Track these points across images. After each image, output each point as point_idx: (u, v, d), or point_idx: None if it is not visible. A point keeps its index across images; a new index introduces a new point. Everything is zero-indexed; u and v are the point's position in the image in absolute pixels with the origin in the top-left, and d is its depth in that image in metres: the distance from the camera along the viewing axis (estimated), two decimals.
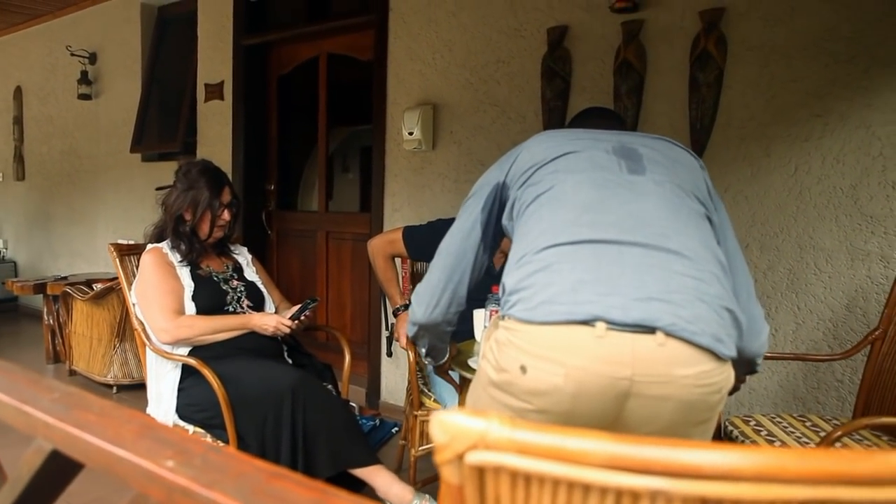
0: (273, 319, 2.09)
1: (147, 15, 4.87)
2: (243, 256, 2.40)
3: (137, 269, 2.22)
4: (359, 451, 1.90)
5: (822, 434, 1.91)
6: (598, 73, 2.74)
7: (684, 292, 1.04)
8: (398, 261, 2.52)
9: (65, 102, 5.49)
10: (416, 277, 2.71)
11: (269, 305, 2.31)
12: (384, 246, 2.33)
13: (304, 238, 4.01)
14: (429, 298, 1.39)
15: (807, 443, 1.85)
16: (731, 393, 1.20)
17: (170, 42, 4.83)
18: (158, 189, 2.32)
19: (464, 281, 1.37)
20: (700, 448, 0.47)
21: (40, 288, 4.17)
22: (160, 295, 2.07)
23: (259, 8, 4.00)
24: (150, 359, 2.12)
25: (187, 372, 2.04)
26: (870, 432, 1.93)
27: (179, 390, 2.03)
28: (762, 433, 1.98)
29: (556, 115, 2.81)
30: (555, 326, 1.04)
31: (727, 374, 1.08)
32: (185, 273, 2.16)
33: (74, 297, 3.84)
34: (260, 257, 2.60)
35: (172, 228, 2.19)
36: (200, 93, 4.30)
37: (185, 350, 2.05)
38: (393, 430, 3.11)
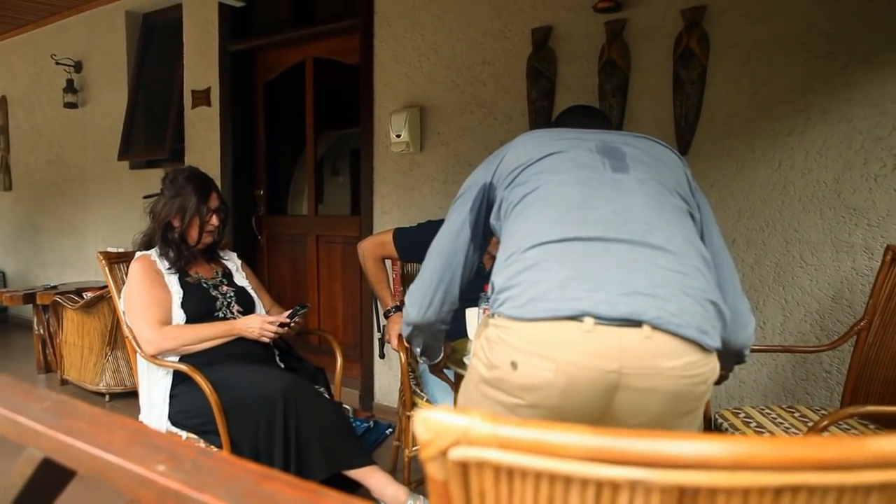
0: (257, 321, 2.09)
1: (132, 22, 4.85)
2: (233, 262, 2.40)
3: (127, 276, 2.22)
4: (352, 452, 1.91)
5: (811, 424, 1.93)
6: (583, 72, 2.76)
7: (669, 286, 1.07)
8: (388, 262, 2.53)
9: (51, 111, 5.47)
10: (406, 279, 2.72)
11: (260, 310, 2.31)
12: (374, 248, 2.34)
13: (294, 242, 4.01)
14: (421, 299, 1.40)
15: (795, 433, 1.87)
16: (717, 383, 1.23)
17: (155, 49, 4.82)
18: (146, 197, 2.32)
19: (455, 280, 1.39)
20: (676, 438, 0.48)
21: (30, 298, 4.15)
22: (146, 306, 2.07)
23: (244, 14, 4.00)
24: (142, 366, 2.12)
25: (179, 378, 2.04)
26: (857, 421, 1.96)
27: (171, 397, 2.03)
28: (751, 425, 2.00)
29: (542, 115, 2.82)
30: (544, 322, 1.06)
31: (712, 366, 1.11)
32: (173, 280, 2.16)
33: (65, 306, 3.83)
34: (250, 263, 2.60)
35: (161, 236, 2.18)
36: (187, 99, 4.30)
37: (175, 357, 2.05)
38: (387, 432, 3.11)
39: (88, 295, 3.82)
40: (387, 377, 3.44)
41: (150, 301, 2.08)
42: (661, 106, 2.60)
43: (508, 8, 2.92)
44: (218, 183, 2.35)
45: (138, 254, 2.20)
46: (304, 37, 3.74)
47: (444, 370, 1.88)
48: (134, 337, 2.10)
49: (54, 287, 4.37)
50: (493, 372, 1.13)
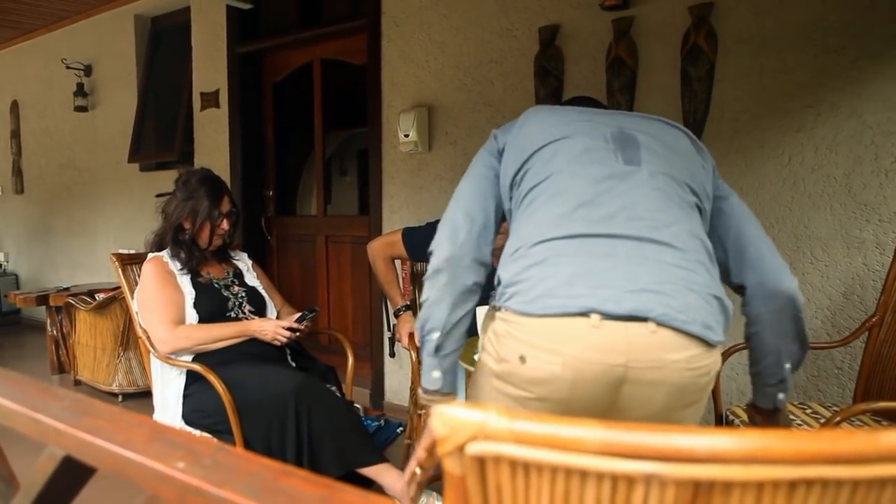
0: (271, 325, 2.11)
1: (141, 26, 4.89)
2: (244, 262, 2.41)
3: (139, 277, 2.24)
4: (365, 450, 1.92)
5: (823, 420, 1.93)
6: (591, 70, 2.76)
7: (675, 283, 1.09)
8: (398, 262, 2.54)
9: (62, 115, 5.51)
10: (416, 278, 2.73)
11: (271, 310, 2.33)
12: (384, 248, 2.35)
13: (303, 243, 4.03)
14: (451, 231, 1.27)
15: (808, 430, 1.87)
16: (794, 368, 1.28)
17: (164, 52, 4.85)
18: (158, 196, 2.34)
19: (489, 219, 1.30)
20: (689, 432, 0.49)
21: (43, 300, 4.19)
22: (159, 305, 2.09)
23: (252, 16, 4.03)
24: (155, 366, 2.14)
25: (192, 378, 2.05)
26: (870, 417, 1.95)
27: (185, 397, 2.05)
28: (786, 414, 2.00)
29: None
30: (552, 318, 1.07)
31: (715, 358, 1.13)
32: (185, 281, 2.18)
33: (77, 307, 3.86)
34: (260, 263, 2.62)
35: (172, 237, 2.20)
36: (196, 101, 4.32)
37: (188, 357, 2.07)
38: (398, 430, 3.13)
39: (100, 296, 3.85)
40: (397, 376, 3.46)
41: (163, 301, 2.10)
42: (669, 103, 2.60)
43: (515, 7, 2.92)
44: (227, 184, 2.36)
45: (150, 255, 2.22)
46: (312, 38, 3.76)
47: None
48: (148, 337, 2.12)
49: (67, 289, 4.41)
50: (502, 365, 1.14)
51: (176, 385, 2.07)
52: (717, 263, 1.23)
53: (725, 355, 2.21)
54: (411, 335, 2.20)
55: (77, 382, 3.99)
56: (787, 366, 1.28)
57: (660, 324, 1.04)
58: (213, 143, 4.25)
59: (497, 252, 1.28)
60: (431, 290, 1.26)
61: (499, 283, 1.20)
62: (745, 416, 2.07)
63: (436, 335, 1.23)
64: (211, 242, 2.22)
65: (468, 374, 1.82)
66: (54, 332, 4.25)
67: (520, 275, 1.14)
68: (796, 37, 2.32)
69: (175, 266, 2.18)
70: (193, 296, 2.14)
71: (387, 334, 3.39)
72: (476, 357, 1.78)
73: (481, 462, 0.55)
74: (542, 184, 1.24)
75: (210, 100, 4.20)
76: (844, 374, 2.31)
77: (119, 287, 4.00)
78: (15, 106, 6.05)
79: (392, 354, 3.41)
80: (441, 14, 3.14)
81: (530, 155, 1.28)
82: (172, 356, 2.06)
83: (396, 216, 3.36)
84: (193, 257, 2.18)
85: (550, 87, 2.83)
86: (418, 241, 2.28)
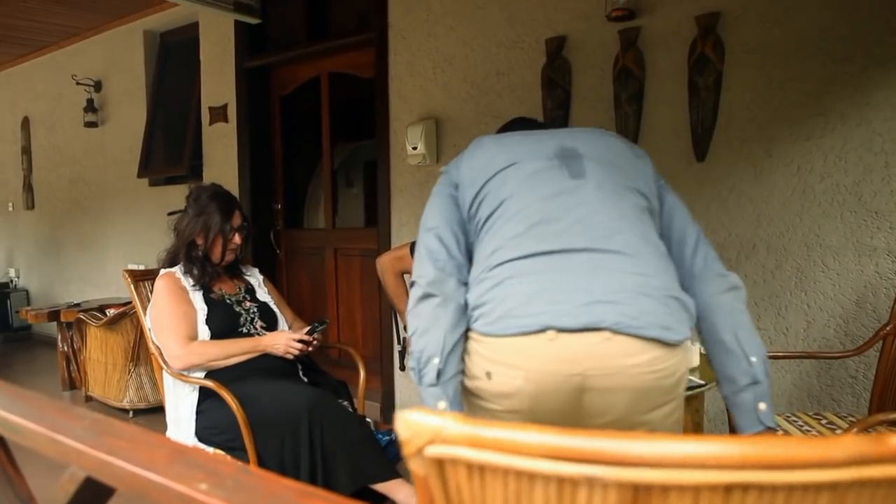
0: (283, 338, 2.12)
1: (150, 42, 4.94)
2: (255, 277, 2.42)
3: (152, 294, 2.25)
4: (378, 465, 1.92)
5: (839, 432, 1.92)
6: (598, 81, 2.77)
7: (628, 290, 1.12)
8: (408, 277, 2.54)
9: (71, 131, 5.56)
10: None
11: (282, 325, 2.33)
12: (393, 262, 2.36)
13: (312, 256, 4.04)
14: (429, 257, 1.29)
15: None
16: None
17: (173, 67, 4.90)
18: (170, 214, 2.35)
19: (458, 234, 1.33)
20: (628, 437, 0.52)
21: (54, 315, 4.21)
22: (172, 321, 2.10)
23: (259, 31, 4.06)
24: (168, 382, 2.14)
25: (205, 394, 2.06)
26: (886, 427, 1.94)
27: (198, 413, 2.05)
28: (777, 433, 1.98)
29: (557, 125, 2.83)
30: (512, 338, 1.13)
31: (679, 358, 1.14)
32: (198, 297, 2.19)
33: (88, 323, 3.88)
34: (269, 277, 2.63)
35: (185, 253, 2.22)
36: (205, 116, 4.36)
37: (201, 373, 2.08)
38: None
39: (111, 312, 3.87)
40: (408, 389, 3.45)
41: (176, 317, 2.10)
42: (677, 113, 2.60)
43: (522, 18, 2.94)
44: (238, 199, 2.38)
45: (163, 271, 2.23)
46: (319, 52, 3.79)
47: None
48: (160, 353, 2.13)
49: (77, 304, 4.43)
50: (472, 382, 1.21)
51: (189, 401, 2.07)
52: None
53: None
54: None
55: (88, 398, 4.00)
56: (754, 359, 1.20)
57: (615, 332, 1.08)
58: (221, 157, 4.28)
59: None
60: (421, 318, 1.23)
61: (467, 306, 1.23)
62: None
63: (436, 360, 1.19)
64: (223, 257, 2.23)
65: None
66: (65, 349, 4.27)
67: (482, 297, 1.19)
68: (804, 46, 2.32)
69: (188, 282, 2.19)
70: (206, 312, 2.15)
71: (397, 347, 3.39)
72: None
73: (440, 464, 0.59)
74: (496, 210, 1.28)
75: (218, 114, 4.23)
76: (859, 383, 2.29)
77: (129, 303, 4.03)
78: (26, 122, 6.11)
79: (402, 368, 3.40)
80: (448, 27, 3.16)
81: (482, 185, 1.32)
82: (185, 372, 2.06)
83: (405, 229, 3.36)
84: (206, 273, 2.19)
85: (558, 99, 2.84)
86: None
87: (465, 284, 1.28)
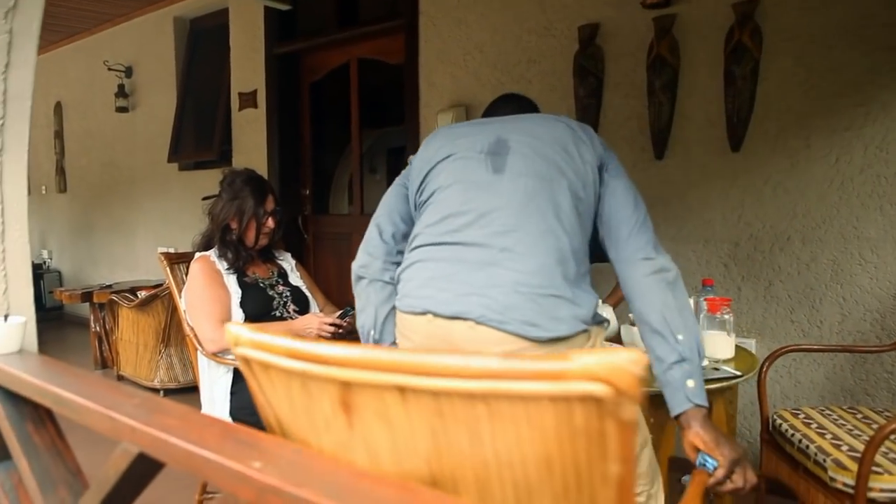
0: (315, 322, 2.14)
1: (180, 28, 4.98)
2: (287, 262, 2.45)
3: (186, 276, 2.29)
4: None
5: (875, 427, 1.90)
6: (631, 69, 2.74)
7: (503, 286, 1.22)
8: None
9: (103, 116, 5.65)
10: None
11: (314, 309, 2.35)
12: None
13: (340, 241, 4.07)
14: (365, 243, 1.52)
15: (859, 435, 1.84)
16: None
17: (203, 53, 4.93)
18: (205, 199, 2.38)
19: (396, 219, 1.51)
20: (338, 345, 0.72)
21: (87, 296, 4.30)
22: (207, 304, 2.13)
23: (289, 17, 4.07)
24: (203, 363, 2.18)
25: (239, 375, 2.09)
26: None
27: (232, 393, 2.09)
28: (812, 426, 1.97)
29: (589, 113, 2.81)
30: (407, 315, 1.32)
31: (548, 353, 1.19)
32: (232, 280, 2.22)
33: (120, 304, 3.95)
34: (298, 262, 2.65)
35: (219, 237, 2.24)
36: (234, 102, 4.39)
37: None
38: None
39: (142, 293, 3.94)
40: None
41: (210, 300, 2.13)
42: (711, 102, 2.57)
43: (554, 5, 2.91)
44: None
45: (198, 254, 2.26)
46: (349, 38, 3.79)
47: None
48: (195, 335, 2.16)
49: (109, 286, 4.52)
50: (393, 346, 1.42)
51: (223, 382, 2.11)
52: (594, 247, 1.37)
53: (770, 359, 2.18)
54: None
55: (120, 378, 4.09)
56: (681, 337, 1.22)
57: (477, 322, 1.21)
58: (251, 143, 4.32)
59: None
60: (359, 299, 1.49)
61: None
62: (792, 419, 2.04)
63: (372, 332, 1.44)
64: (257, 241, 2.26)
65: None
66: (97, 329, 4.36)
67: (399, 275, 1.39)
68: (845, 34, 2.28)
69: (222, 265, 2.22)
70: (240, 295, 2.18)
71: None
72: None
73: (246, 360, 0.81)
74: (429, 199, 1.41)
75: (248, 100, 4.26)
76: (895, 378, 2.26)
77: (160, 285, 4.10)
78: (59, 107, 6.21)
79: None
80: (479, 13, 3.14)
81: (424, 176, 1.45)
82: (219, 354, 2.10)
83: None
84: (240, 257, 2.22)
85: (590, 87, 2.81)
86: None
87: (396, 265, 1.45)
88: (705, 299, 1.99)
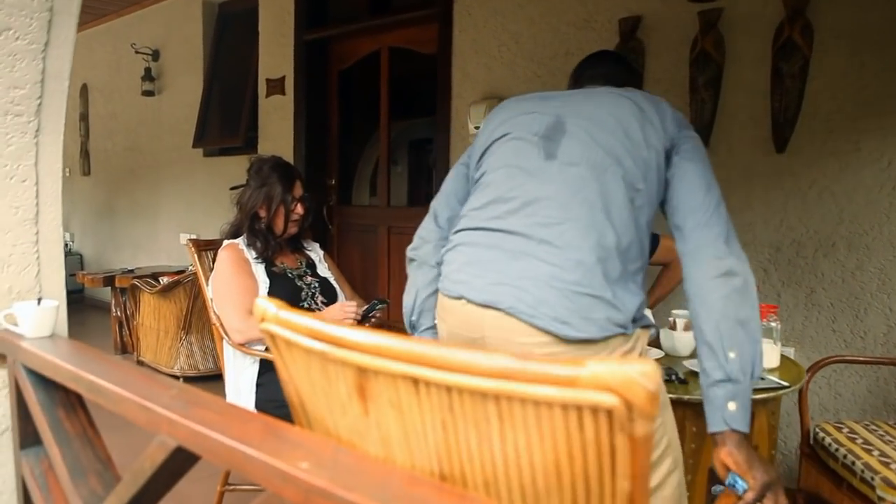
0: (339, 313, 2.09)
1: (208, 12, 4.95)
2: (315, 253, 2.40)
3: (213, 264, 2.25)
4: None
5: None
6: (673, 64, 2.66)
7: (537, 279, 1.18)
8: None
9: (129, 99, 5.64)
10: None
11: (342, 300, 2.31)
12: None
13: (365, 233, 4.02)
14: (420, 229, 1.52)
15: None
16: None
17: (231, 38, 4.90)
18: (232, 189, 2.34)
19: (452, 203, 1.49)
20: (356, 330, 0.73)
21: (109, 281, 4.29)
22: (234, 293, 2.08)
23: (320, 3, 4.02)
24: (228, 353, 2.14)
25: (265, 367, 2.05)
26: None
27: (258, 385, 2.05)
28: (857, 441, 1.89)
29: None
30: (444, 297, 1.32)
31: (584, 353, 1.16)
32: (260, 270, 2.17)
33: (142, 289, 3.94)
34: None
35: (248, 226, 2.20)
36: (262, 88, 4.35)
37: (262, 346, 2.06)
38: None
39: (165, 279, 3.92)
40: None
41: (237, 289, 2.09)
42: (756, 101, 2.48)
43: None
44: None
45: (226, 242, 2.21)
46: (381, 26, 3.73)
47: None
48: (221, 325, 2.12)
49: (131, 270, 4.50)
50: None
51: (249, 373, 2.06)
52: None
53: (814, 369, 2.10)
54: None
55: (140, 363, 4.07)
56: (732, 355, 1.12)
57: (507, 314, 1.18)
58: (277, 130, 4.28)
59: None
60: (408, 280, 1.50)
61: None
62: (836, 433, 1.96)
63: (412, 315, 1.46)
64: (286, 229, 2.21)
65: None
66: (118, 313, 4.35)
67: (443, 256, 1.38)
68: None
69: (250, 254, 2.17)
70: (268, 285, 2.13)
71: None
72: None
73: (272, 336, 0.83)
74: (479, 181, 1.39)
75: (276, 86, 4.22)
76: None
77: (182, 271, 4.08)
78: (84, 89, 6.22)
79: None
80: (516, 3, 3.07)
81: (480, 155, 1.41)
82: (246, 345, 2.05)
83: None
84: (269, 246, 2.17)
85: None
86: None
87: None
88: None
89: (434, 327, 1.42)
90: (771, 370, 1.83)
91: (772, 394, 1.69)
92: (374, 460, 0.81)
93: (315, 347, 0.76)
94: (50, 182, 1.36)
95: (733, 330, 1.13)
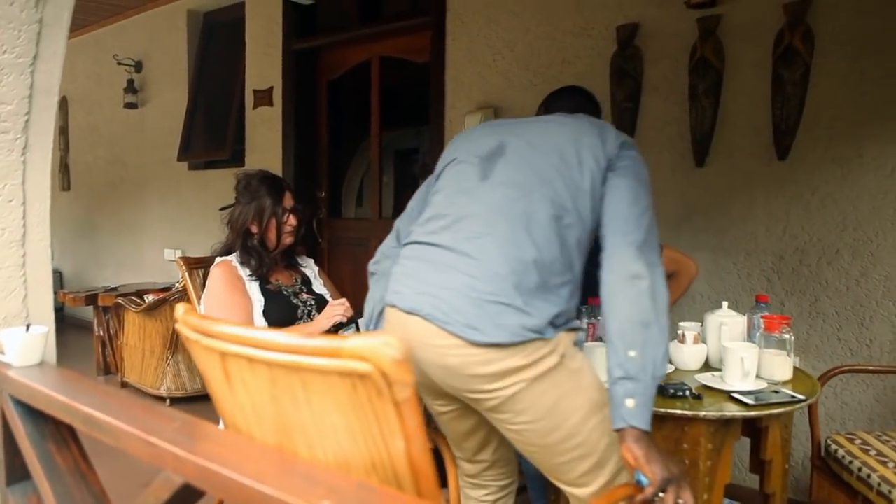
0: (324, 318, 2.02)
1: (193, 22, 4.86)
2: (310, 269, 2.33)
3: (205, 282, 2.16)
4: None
5: None
6: (672, 71, 2.63)
7: (454, 289, 1.29)
8: None
9: (110, 111, 5.52)
10: None
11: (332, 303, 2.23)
12: None
13: (356, 246, 3.94)
14: (383, 245, 1.67)
15: None
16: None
17: (216, 48, 4.81)
18: (222, 209, 2.26)
19: (415, 220, 1.56)
20: (217, 322, 0.88)
21: (91, 299, 4.15)
22: (227, 312, 2.00)
23: (309, 12, 3.95)
24: None
25: None
26: None
27: None
28: (871, 452, 1.85)
29: (626, 117, 2.70)
30: (386, 306, 1.44)
31: (492, 357, 1.25)
32: (254, 288, 2.09)
33: (127, 308, 3.82)
34: None
35: (241, 244, 2.12)
36: (249, 99, 4.27)
37: None
38: None
39: (150, 297, 3.81)
40: None
41: (231, 307, 2.01)
42: (757, 108, 2.46)
43: (591, 4, 2.80)
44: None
45: (219, 259, 2.13)
46: (371, 35, 3.68)
47: None
48: None
49: (115, 288, 4.37)
50: None
51: None
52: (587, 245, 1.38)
53: (823, 379, 2.06)
54: None
55: (124, 384, 3.94)
56: (632, 354, 1.18)
57: (425, 319, 1.30)
58: (265, 142, 4.19)
59: None
60: (369, 290, 1.63)
61: None
62: (848, 445, 1.92)
63: (370, 325, 1.59)
64: (280, 241, 2.13)
65: None
66: (101, 333, 4.22)
67: (392, 269, 1.48)
68: None
69: (244, 272, 2.09)
70: (263, 303, 2.05)
71: None
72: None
73: (188, 339, 0.92)
74: (429, 200, 1.51)
75: (263, 97, 4.14)
76: None
77: (168, 289, 3.97)
78: (64, 102, 6.07)
79: None
80: (510, 11, 3.03)
81: (437, 176, 1.54)
82: None
83: None
84: (264, 263, 2.09)
85: (628, 90, 2.70)
86: None
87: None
88: (762, 317, 1.87)
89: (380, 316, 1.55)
90: (784, 382, 1.78)
91: (788, 408, 1.64)
92: (395, 494, 0.75)
93: (191, 337, 0.90)
94: (37, 202, 1.29)
95: (635, 331, 1.20)
